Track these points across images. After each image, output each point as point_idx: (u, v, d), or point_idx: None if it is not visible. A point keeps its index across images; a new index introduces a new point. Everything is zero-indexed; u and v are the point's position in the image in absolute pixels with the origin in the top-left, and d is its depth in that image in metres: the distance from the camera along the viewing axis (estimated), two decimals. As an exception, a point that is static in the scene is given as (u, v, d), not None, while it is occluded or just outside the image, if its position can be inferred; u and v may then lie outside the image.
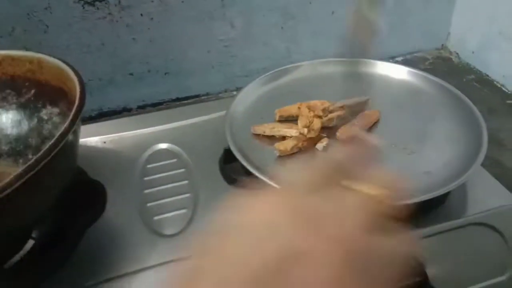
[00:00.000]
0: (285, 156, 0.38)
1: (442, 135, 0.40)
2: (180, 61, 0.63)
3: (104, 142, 0.45)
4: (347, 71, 0.47)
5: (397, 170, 0.37)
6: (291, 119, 0.42)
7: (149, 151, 0.44)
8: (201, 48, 0.62)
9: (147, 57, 0.61)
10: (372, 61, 0.47)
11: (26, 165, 0.27)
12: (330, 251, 0.17)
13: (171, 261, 0.34)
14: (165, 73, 0.63)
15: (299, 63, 0.47)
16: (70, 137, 0.31)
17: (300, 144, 0.38)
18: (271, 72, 0.46)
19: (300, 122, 0.39)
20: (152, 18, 0.58)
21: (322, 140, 0.39)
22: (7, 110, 0.40)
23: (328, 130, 0.40)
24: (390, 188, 0.20)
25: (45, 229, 0.36)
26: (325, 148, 0.39)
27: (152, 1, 0.57)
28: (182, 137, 0.46)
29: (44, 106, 0.39)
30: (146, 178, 0.42)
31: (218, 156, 0.43)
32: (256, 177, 0.36)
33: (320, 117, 0.39)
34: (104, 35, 0.58)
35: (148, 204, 0.39)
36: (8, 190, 0.26)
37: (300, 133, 0.38)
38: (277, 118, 0.42)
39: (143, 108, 0.65)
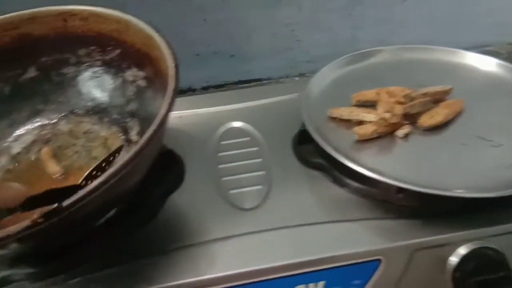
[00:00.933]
0: (363, 140, 0.38)
1: (530, 129, 0.38)
2: (245, 44, 0.63)
3: (180, 117, 0.47)
4: (430, 58, 0.45)
5: (482, 162, 0.36)
6: (368, 105, 0.41)
7: (222, 129, 0.45)
8: (267, 31, 0.63)
9: (214, 38, 0.62)
10: (458, 50, 0.45)
11: (134, 151, 0.28)
12: None
13: (248, 233, 0.35)
14: (230, 56, 0.64)
15: (379, 48, 0.47)
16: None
17: (380, 130, 0.38)
18: (348, 55, 0.46)
19: (381, 107, 0.38)
20: (223, 0, 0.59)
21: (404, 127, 0.38)
22: (91, 66, 0.41)
23: (408, 118, 0.39)
24: None
25: (132, 195, 0.38)
26: (406, 135, 0.38)
27: (224, -18, 0.57)
28: (255, 116, 0.46)
29: (129, 68, 0.40)
30: (220, 154, 0.43)
31: (291, 137, 0.44)
32: (333, 159, 0.36)
33: (401, 103, 0.39)
34: (176, 14, 0.59)
35: (224, 178, 0.40)
36: (123, 172, 0.27)
37: (381, 118, 0.37)
38: (353, 103, 0.42)
39: (206, 89, 0.66)
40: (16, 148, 0.40)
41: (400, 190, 0.35)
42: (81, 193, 0.25)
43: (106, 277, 0.33)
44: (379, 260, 0.33)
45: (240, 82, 0.66)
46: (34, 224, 0.24)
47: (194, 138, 0.45)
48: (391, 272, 0.34)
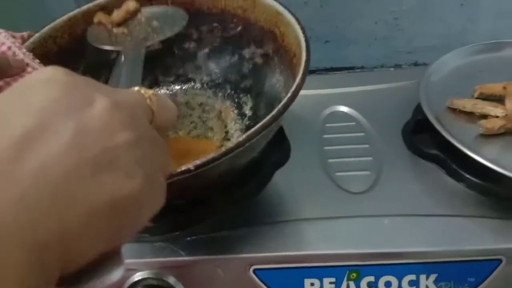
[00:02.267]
0: (486, 135, 0.36)
1: None
2: (343, 30, 0.62)
3: (284, 96, 0.47)
4: None
5: None
6: (492, 99, 0.39)
7: (327, 111, 0.45)
8: (369, 18, 0.61)
9: (313, 22, 0.61)
10: None
11: (265, 120, 0.28)
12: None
13: (357, 216, 0.35)
14: (326, 41, 0.63)
15: (510, 40, 0.43)
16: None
17: (509, 125, 0.35)
18: (473, 45, 0.43)
19: (510, 102, 0.36)
20: (327, -17, 0.58)
21: (535, 125, 0.36)
22: (211, 42, 0.43)
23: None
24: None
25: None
26: (536, 134, 0.36)
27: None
28: (359, 102, 0.45)
29: (247, 45, 0.41)
30: (325, 136, 0.43)
31: (398, 125, 0.42)
32: (453, 151, 0.35)
33: (533, 99, 0.36)
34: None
35: (330, 160, 0.40)
36: (263, 132, 0.28)
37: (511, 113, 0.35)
38: (476, 95, 0.39)
39: (296, 73, 0.66)
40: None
41: (529, 190, 0.32)
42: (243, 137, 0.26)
43: (216, 239, 0.35)
44: (499, 261, 0.32)
45: (332, 69, 0.65)
46: (186, 171, 0.25)
47: (298, 118, 0.45)
48: (511, 275, 0.32)
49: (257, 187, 0.37)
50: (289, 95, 0.29)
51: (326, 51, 0.64)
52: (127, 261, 0.34)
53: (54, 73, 0.18)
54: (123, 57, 0.36)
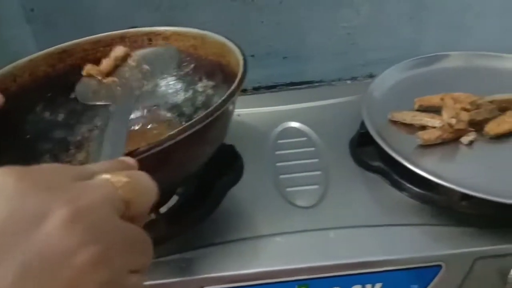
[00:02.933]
0: (425, 146, 0.38)
1: None
2: (300, 46, 0.64)
3: (238, 115, 0.48)
4: (498, 67, 0.44)
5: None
6: (431, 110, 0.41)
7: (279, 128, 0.47)
8: (323, 34, 0.63)
9: (270, 40, 0.63)
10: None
11: (191, 121, 0.30)
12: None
13: (305, 231, 0.36)
14: (284, 57, 0.65)
15: (446, 53, 0.46)
16: (230, 106, 0.34)
17: (445, 135, 0.37)
18: (412, 59, 0.46)
19: (446, 113, 0.38)
20: (281, 2, 0.60)
21: (469, 134, 0.38)
22: (168, 81, 0.44)
23: (474, 125, 0.38)
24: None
25: (193, 186, 0.40)
26: (470, 143, 0.37)
27: (284, -15, 0.59)
28: (311, 117, 0.47)
29: (200, 80, 0.43)
30: (277, 152, 0.44)
31: (348, 138, 0.44)
32: (394, 162, 0.36)
33: (467, 109, 0.38)
34: (235, 16, 0.61)
35: (281, 176, 0.41)
36: (178, 138, 0.29)
37: (447, 124, 0.37)
38: (416, 107, 0.41)
39: (257, 90, 0.67)
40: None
41: (464, 197, 0.34)
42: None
43: (166, 263, 0.35)
44: (439, 266, 0.33)
45: (292, 84, 0.67)
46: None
47: (251, 136, 0.46)
48: (451, 280, 0.34)
49: (209, 208, 0.38)
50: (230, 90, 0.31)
51: (285, 67, 0.66)
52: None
53: (2, 181, 0.15)
54: (112, 110, 0.33)
